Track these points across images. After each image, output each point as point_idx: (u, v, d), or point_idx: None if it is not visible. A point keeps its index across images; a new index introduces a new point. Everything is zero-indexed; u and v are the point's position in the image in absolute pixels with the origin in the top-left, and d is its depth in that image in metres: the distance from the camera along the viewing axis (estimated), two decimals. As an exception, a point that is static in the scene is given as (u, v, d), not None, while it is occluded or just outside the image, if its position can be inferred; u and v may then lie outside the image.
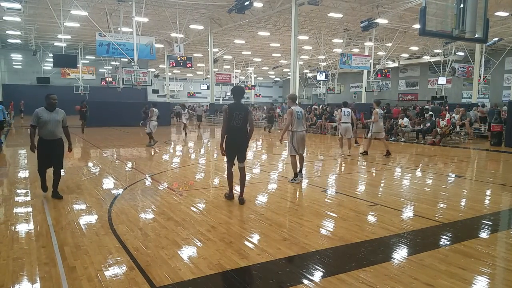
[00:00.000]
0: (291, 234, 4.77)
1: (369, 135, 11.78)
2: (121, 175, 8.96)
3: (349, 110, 11.98)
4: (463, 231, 5.16)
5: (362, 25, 22.57)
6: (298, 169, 7.95)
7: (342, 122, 11.85)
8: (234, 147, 6.15)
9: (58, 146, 6.37)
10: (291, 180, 7.91)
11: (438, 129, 15.58)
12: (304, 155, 8.36)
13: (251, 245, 4.45)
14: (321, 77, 33.22)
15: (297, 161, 7.95)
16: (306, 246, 4.38)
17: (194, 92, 59.39)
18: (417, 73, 43.66)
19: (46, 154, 6.29)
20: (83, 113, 19.98)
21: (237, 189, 6.47)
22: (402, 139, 16.92)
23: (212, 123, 31.71)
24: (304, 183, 7.88)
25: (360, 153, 12.06)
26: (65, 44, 29.53)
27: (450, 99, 33.27)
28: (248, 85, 49.49)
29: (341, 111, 12.09)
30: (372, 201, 6.44)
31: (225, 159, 6.30)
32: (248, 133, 6.23)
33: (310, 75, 43.59)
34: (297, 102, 8.01)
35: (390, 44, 30.39)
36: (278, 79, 61.79)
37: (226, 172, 6.41)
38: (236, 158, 6.23)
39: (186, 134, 19.60)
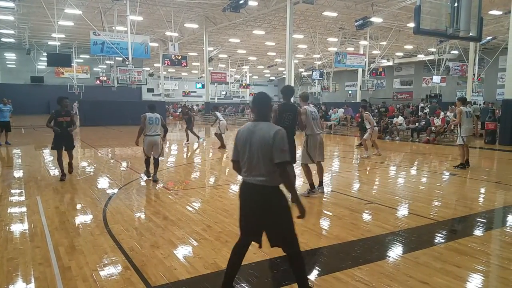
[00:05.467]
0: (287, 233, 4.76)
1: (459, 140, 9.38)
2: (116, 175, 8.92)
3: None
4: (458, 229, 5.20)
5: (357, 23, 22.60)
6: (317, 180, 6.84)
7: (376, 126, 11.65)
8: None
9: None
10: (307, 193, 6.56)
11: (433, 127, 15.66)
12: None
13: (247, 244, 4.44)
14: (316, 75, 33.28)
15: (310, 169, 6.68)
16: (301, 245, 4.34)
17: (189, 91, 59.28)
18: (412, 71, 43.79)
19: None
20: (189, 118, 16.13)
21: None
22: (397, 138, 16.98)
23: (207, 122, 31.57)
24: (300, 182, 7.84)
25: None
26: (59, 43, 29.29)
27: (444, 97, 33.40)
28: (243, 84, 49.48)
29: (369, 115, 11.29)
30: (367, 200, 6.46)
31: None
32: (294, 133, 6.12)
33: (305, 74, 43.61)
34: (308, 101, 6.96)
35: (384, 43, 30.48)
36: (273, 78, 61.81)
37: None
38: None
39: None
